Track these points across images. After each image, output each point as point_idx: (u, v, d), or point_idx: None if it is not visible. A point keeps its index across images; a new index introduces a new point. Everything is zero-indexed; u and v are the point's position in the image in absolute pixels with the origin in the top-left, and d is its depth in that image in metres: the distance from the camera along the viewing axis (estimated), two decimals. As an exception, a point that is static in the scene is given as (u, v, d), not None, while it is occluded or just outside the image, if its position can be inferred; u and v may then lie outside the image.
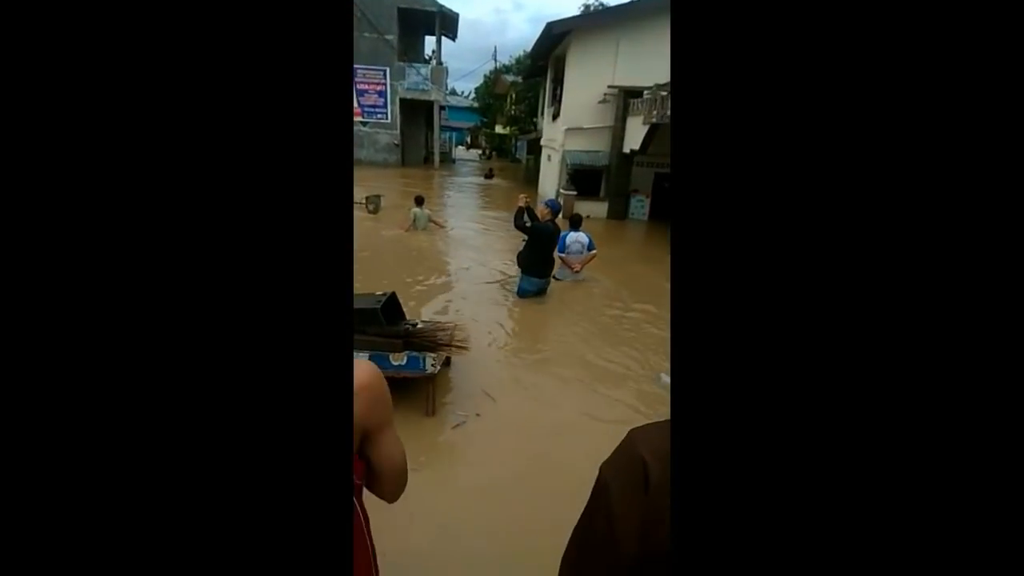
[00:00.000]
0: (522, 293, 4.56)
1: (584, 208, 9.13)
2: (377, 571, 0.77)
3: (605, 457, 0.54)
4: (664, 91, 7.22)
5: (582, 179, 9.78)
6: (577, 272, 5.12)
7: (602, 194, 10.07)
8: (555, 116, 10.83)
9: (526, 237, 4.54)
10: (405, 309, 2.94)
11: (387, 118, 16.84)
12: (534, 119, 17.55)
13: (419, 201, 7.16)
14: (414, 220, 6.98)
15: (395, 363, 2.52)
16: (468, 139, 34.44)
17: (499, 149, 27.65)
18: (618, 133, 9.37)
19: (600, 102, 9.57)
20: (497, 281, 5.10)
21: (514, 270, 5.02)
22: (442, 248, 6.48)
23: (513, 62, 23.27)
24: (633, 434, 0.52)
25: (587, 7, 17.79)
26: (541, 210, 4.69)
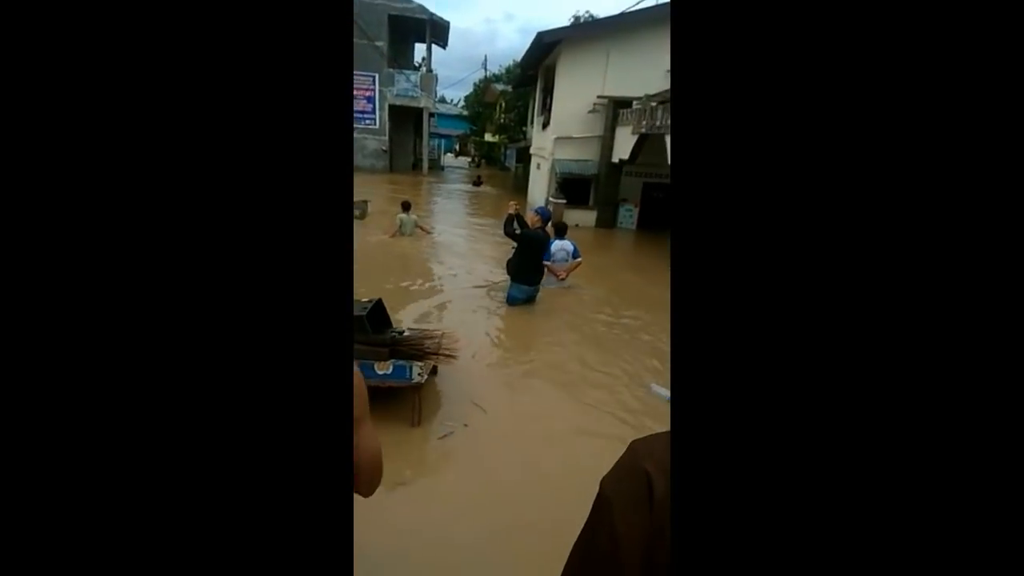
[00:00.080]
0: (511, 301, 4.50)
1: (573, 217, 9.16)
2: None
3: (598, 468, 0.52)
4: (653, 101, 7.29)
5: (571, 188, 9.82)
6: (563, 279, 5.12)
7: (591, 203, 10.11)
8: (545, 125, 10.89)
9: (515, 244, 4.49)
10: (391, 316, 2.84)
11: (375, 124, 16.78)
12: (523, 128, 17.69)
13: (406, 207, 7.11)
14: (400, 226, 6.92)
15: (380, 372, 2.43)
16: (457, 146, 34.57)
17: (488, 157, 27.87)
18: (607, 143, 9.43)
19: (590, 112, 9.65)
20: (483, 286, 5.04)
21: (500, 277, 4.96)
22: (428, 254, 6.40)
23: (503, 71, 23.51)
24: (635, 446, 0.50)
25: (577, 18, 18.07)
26: (531, 217, 4.65)
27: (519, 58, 13.12)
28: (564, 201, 9.31)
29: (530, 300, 4.55)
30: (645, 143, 8.04)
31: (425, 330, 3.03)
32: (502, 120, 21.37)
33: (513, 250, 4.57)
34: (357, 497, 0.72)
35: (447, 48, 19.61)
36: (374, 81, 16.19)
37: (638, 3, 11.17)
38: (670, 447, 0.39)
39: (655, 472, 0.45)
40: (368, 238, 6.65)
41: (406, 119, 18.17)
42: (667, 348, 3.74)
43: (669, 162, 6.96)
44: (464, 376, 3.04)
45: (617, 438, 2.49)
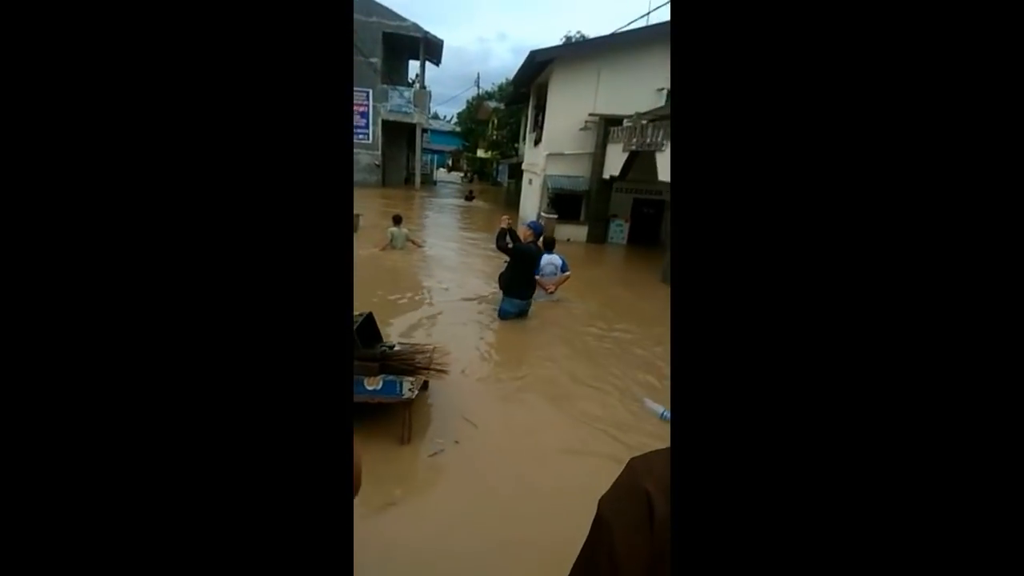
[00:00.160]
0: (503, 315, 4.48)
1: (564, 232, 9.20)
2: None
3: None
4: (644, 119, 7.41)
5: (563, 203, 9.90)
6: (551, 293, 5.12)
7: (582, 218, 10.18)
8: (537, 141, 10.99)
9: (507, 258, 4.49)
10: (381, 330, 2.81)
11: (369, 139, 16.86)
12: (515, 144, 17.84)
13: (397, 220, 7.11)
14: (391, 239, 6.91)
15: (370, 388, 2.38)
16: (449, 162, 34.81)
17: (480, 172, 28.04)
18: (598, 159, 9.53)
19: (581, 129, 9.76)
20: (474, 299, 5.02)
21: (491, 290, 4.94)
22: (419, 268, 6.37)
23: (495, 89, 23.78)
24: (634, 464, 0.48)
25: (568, 38, 18.41)
26: (523, 231, 4.66)
27: (511, 76, 13.25)
28: (556, 216, 9.38)
29: (522, 314, 4.53)
30: (635, 160, 8.15)
31: (416, 344, 3.00)
32: (494, 136, 21.55)
33: (505, 264, 4.57)
34: None
35: (440, 66, 19.88)
36: (368, 96, 16.31)
37: (629, 24, 11.42)
38: (670, 466, 0.37)
39: (655, 492, 0.43)
40: (359, 251, 6.61)
41: (399, 134, 18.28)
42: (658, 362, 3.76)
43: (659, 178, 7.05)
44: (455, 391, 3.00)
45: (610, 456, 2.46)
